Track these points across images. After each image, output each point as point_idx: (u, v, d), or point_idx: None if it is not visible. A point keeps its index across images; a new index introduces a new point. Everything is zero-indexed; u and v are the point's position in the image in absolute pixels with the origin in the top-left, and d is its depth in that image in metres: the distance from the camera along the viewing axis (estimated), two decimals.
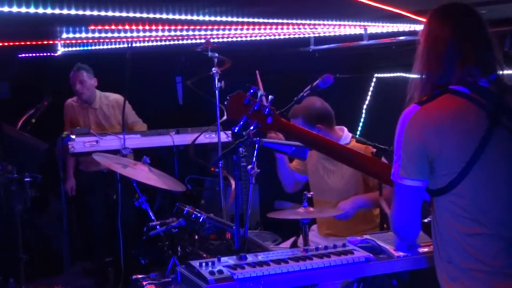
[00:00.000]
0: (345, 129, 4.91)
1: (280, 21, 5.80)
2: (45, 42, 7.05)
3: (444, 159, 2.59)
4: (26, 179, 5.89)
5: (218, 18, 5.38)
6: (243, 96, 2.99)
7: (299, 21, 5.91)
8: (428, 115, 2.61)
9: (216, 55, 5.59)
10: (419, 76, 2.78)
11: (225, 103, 3.02)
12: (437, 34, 2.74)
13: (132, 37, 6.47)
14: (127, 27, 5.53)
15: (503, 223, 2.61)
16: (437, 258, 2.76)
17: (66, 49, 7.47)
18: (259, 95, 3.01)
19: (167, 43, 7.06)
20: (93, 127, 6.42)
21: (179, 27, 5.86)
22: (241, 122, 2.98)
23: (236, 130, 3.02)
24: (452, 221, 2.64)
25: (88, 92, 6.51)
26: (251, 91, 3.02)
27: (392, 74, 7.38)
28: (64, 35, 6.34)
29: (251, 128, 2.99)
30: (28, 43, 6.98)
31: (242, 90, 3.01)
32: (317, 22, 6.06)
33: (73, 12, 4.66)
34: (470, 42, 2.71)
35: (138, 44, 7.05)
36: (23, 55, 8.16)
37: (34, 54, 8.21)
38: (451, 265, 2.67)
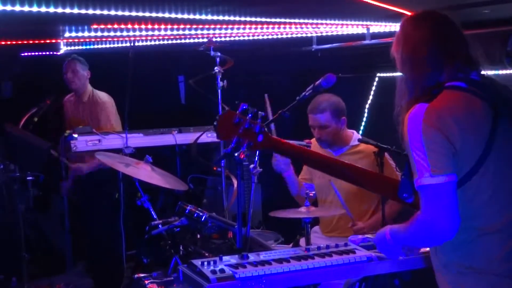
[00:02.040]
0: (355, 132, 4.98)
1: (282, 20, 5.79)
2: (48, 41, 7.05)
3: (462, 153, 2.53)
4: (28, 178, 5.89)
5: (221, 17, 5.38)
6: (233, 115, 2.96)
7: (301, 21, 5.90)
8: (441, 110, 2.54)
9: (219, 54, 5.59)
10: (404, 84, 2.73)
11: (215, 123, 2.98)
12: (415, 38, 2.71)
13: (134, 36, 6.47)
14: (129, 26, 5.53)
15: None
16: (435, 261, 2.73)
17: (69, 48, 7.47)
18: (249, 113, 2.98)
19: (170, 42, 7.06)
20: (84, 121, 6.41)
21: (182, 26, 5.86)
22: (233, 143, 2.94)
23: (228, 151, 2.99)
24: None
25: (78, 82, 6.50)
26: (241, 108, 2.98)
27: (394, 74, 7.37)
28: (67, 34, 6.34)
29: (243, 148, 2.94)
30: (31, 42, 6.98)
31: (231, 108, 2.99)
32: (319, 21, 6.05)
33: (75, 11, 4.67)
34: (452, 41, 2.72)
35: (140, 43, 7.05)
36: (26, 54, 8.17)
37: (36, 53, 8.22)
38: (450, 267, 2.62)
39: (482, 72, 2.76)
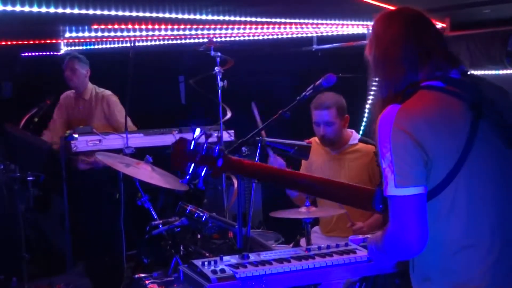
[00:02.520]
0: (354, 131, 4.98)
1: (283, 20, 5.80)
2: (48, 41, 7.06)
3: (435, 160, 2.30)
4: (28, 178, 5.88)
5: (221, 17, 5.39)
6: (187, 142, 2.75)
7: (302, 21, 5.91)
8: (414, 112, 2.31)
9: (219, 54, 5.59)
10: (378, 88, 2.53)
11: (169, 151, 2.79)
12: (387, 38, 2.51)
13: (134, 36, 6.48)
14: (130, 26, 5.54)
15: (494, 234, 2.36)
16: (413, 277, 2.53)
17: (69, 48, 7.48)
18: (204, 139, 2.77)
19: (170, 42, 7.07)
20: (84, 119, 6.42)
21: (182, 26, 5.87)
22: (190, 172, 2.74)
23: (185, 182, 2.82)
24: (432, 232, 2.32)
25: (77, 81, 6.50)
26: (196, 133, 2.78)
27: None
28: (67, 34, 6.36)
29: (202, 175, 2.74)
30: (31, 42, 6.99)
31: (183, 138, 2.77)
32: (320, 21, 6.07)
33: (76, 11, 4.67)
34: (427, 37, 2.49)
35: (141, 43, 7.06)
36: (26, 54, 8.17)
37: (37, 53, 8.23)
38: (429, 283, 2.43)
39: (470, 71, 2.55)
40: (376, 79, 2.55)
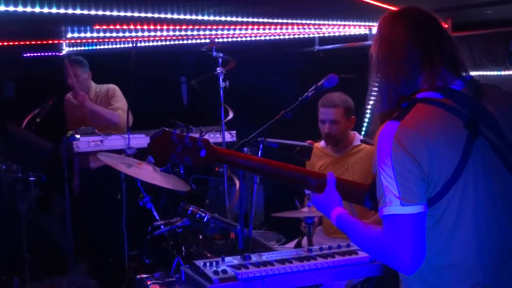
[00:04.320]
0: (356, 133, 4.99)
1: (284, 21, 5.80)
2: (50, 42, 7.06)
3: (430, 177, 2.26)
4: (30, 179, 5.89)
5: (223, 18, 5.39)
6: (168, 133, 2.72)
7: (303, 21, 5.91)
8: (412, 129, 2.26)
9: (221, 55, 5.59)
10: (378, 90, 2.49)
11: (147, 145, 2.75)
12: (392, 38, 2.45)
13: (136, 37, 6.48)
14: (131, 27, 5.54)
15: (481, 257, 2.32)
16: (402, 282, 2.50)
17: (71, 48, 7.49)
18: (188, 129, 2.82)
19: (172, 43, 7.07)
20: (90, 119, 6.42)
21: (184, 27, 5.87)
22: (169, 162, 2.72)
23: (162, 170, 2.81)
24: None
25: (81, 86, 6.49)
26: (177, 126, 2.76)
27: None
28: (69, 35, 6.36)
29: (181, 166, 2.72)
30: (33, 42, 7.00)
31: (166, 127, 2.75)
32: (322, 22, 6.06)
33: (78, 11, 4.68)
34: (433, 40, 2.43)
35: (142, 44, 7.06)
36: (29, 54, 8.18)
37: (39, 54, 8.23)
38: None
39: (474, 76, 2.48)
40: (378, 79, 2.50)
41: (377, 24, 2.57)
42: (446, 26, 6.87)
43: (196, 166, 2.74)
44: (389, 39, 2.46)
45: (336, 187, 2.72)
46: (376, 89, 2.51)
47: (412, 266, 2.26)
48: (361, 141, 4.84)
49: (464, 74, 2.44)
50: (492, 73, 7.02)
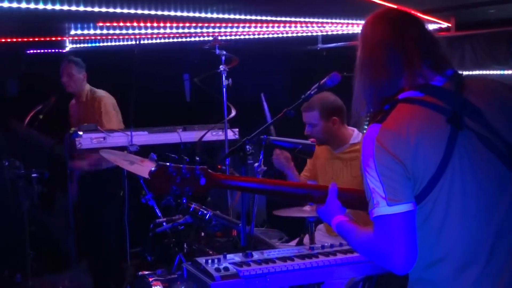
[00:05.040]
0: (356, 130, 4.94)
1: (288, 19, 5.81)
2: (53, 39, 7.07)
3: (416, 174, 2.27)
4: (33, 175, 5.90)
5: (226, 16, 5.39)
6: (165, 167, 2.70)
7: (307, 19, 5.92)
8: (392, 132, 2.28)
9: (224, 52, 5.59)
10: (362, 93, 2.50)
11: (147, 181, 2.77)
12: (373, 40, 2.48)
13: (140, 34, 6.49)
14: (135, 24, 5.55)
15: (472, 250, 2.32)
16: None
17: (74, 45, 7.50)
18: (183, 160, 2.80)
19: (175, 40, 7.08)
20: (81, 121, 6.42)
21: (187, 25, 5.88)
22: (170, 194, 2.78)
23: (164, 203, 2.80)
24: None
25: (74, 85, 6.49)
26: (171, 159, 2.80)
27: None
28: (72, 32, 6.37)
29: (184, 196, 2.71)
30: (37, 39, 7.01)
31: (162, 161, 2.74)
32: (325, 20, 6.07)
33: (81, 8, 4.68)
34: (412, 40, 2.43)
35: (146, 41, 7.07)
36: (32, 51, 8.19)
37: (42, 51, 8.25)
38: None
39: (456, 72, 2.47)
40: (361, 81, 2.52)
41: (362, 26, 2.59)
42: (450, 25, 6.88)
43: (198, 194, 2.74)
44: (370, 42, 2.49)
45: (340, 196, 2.75)
46: (359, 91, 2.52)
47: (405, 266, 2.28)
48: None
49: (446, 69, 2.44)
50: (495, 72, 7.03)
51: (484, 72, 6.92)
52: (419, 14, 4.91)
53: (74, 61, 6.53)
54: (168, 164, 2.71)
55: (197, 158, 5.11)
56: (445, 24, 6.67)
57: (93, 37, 6.97)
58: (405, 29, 2.45)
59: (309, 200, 2.87)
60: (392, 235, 2.26)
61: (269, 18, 5.70)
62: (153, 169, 2.66)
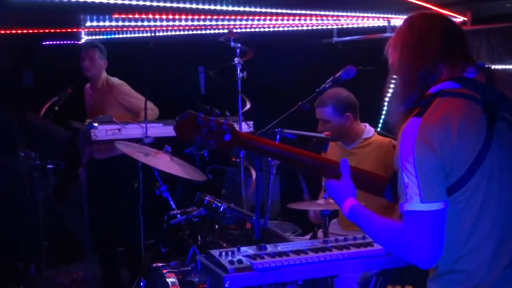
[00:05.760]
0: (368, 125, 4.93)
1: (303, 12, 5.80)
2: (69, 30, 7.09)
3: (454, 166, 2.32)
4: (48, 166, 5.92)
5: (241, 8, 5.39)
6: (194, 116, 2.76)
7: (322, 12, 5.90)
8: (433, 127, 2.32)
9: (239, 45, 5.59)
10: (401, 81, 2.58)
11: (174, 126, 2.80)
12: (403, 42, 2.58)
13: (155, 26, 6.49)
14: (150, 16, 5.56)
15: (504, 240, 2.37)
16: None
17: (90, 37, 7.52)
18: (213, 113, 2.84)
19: (190, 32, 7.08)
20: (97, 108, 6.44)
21: (202, 17, 5.88)
22: (193, 144, 2.78)
23: (187, 152, 2.83)
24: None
25: (94, 71, 6.49)
26: (203, 109, 2.82)
27: None
28: (88, 23, 6.38)
29: (206, 149, 2.80)
30: (53, 31, 7.03)
31: (194, 110, 2.77)
32: (340, 13, 6.05)
33: (97, 0, 4.69)
34: (441, 36, 2.52)
35: (161, 33, 7.07)
36: (48, 42, 8.22)
37: (58, 42, 8.28)
38: (438, 279, 2.46)
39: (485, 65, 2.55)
40: (399, 78, 2.59)
41: (406, 19, 2.66)
42: (466, 19, 6.84)
43: (220, 150, 2.78)
44: (401, 43, 2.59)
45: (355, 176, 2.78)
46: (396, 88, 2.59)
47: (431, 260, 2.32)
48: (379, 133, 4.80)
49: (475, 61, 2.52)
50: (511, 66, 6.98)
51: (501, 66, 6.88)
52: (434, 8, 4.90)
53: (99, 46, 6.54)
54: (198, 114, 2.75)
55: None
56: (461, 18, 6.64)
57: (108, 29, 6.99)
58: (435, 26, 2.54)
59: (324, 175, 2.87)
60: (422, 231, 2.30)
61: (284, 11, 5.69)
62: (183, 115, 2.72)
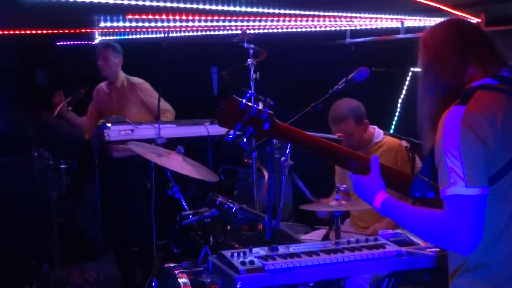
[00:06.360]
0: (376, 127, 4.94)
1: (316, 13, 5.78)
2: (83, 31, 7.11)
3: (496, 156, 2.38)
4: (61, 166, 5.93)
5: (255, 9, 5.39)
6: (237, 101, 2.77)
7: (335, 14, 5.89)
8: (479, 114, 2.39)
9: (252, 46, 5.59)
10: (426, 87, 2.64)
11: (217, 110, 2.78)
12: (435, 42, 2.64)
13: (168, 27, 6.50)
14: (164, 17, 5.57)
15: None
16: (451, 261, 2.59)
17: (104, 37, 7.54)
18: (256, 101, 2.85)
19: (203, 33, 7.09)
20: (116, 108, 6.45)
21: (216, 18, 5.88)
22: (235, 131, 2.79)
23: (229, 139, 2.83)
24: None
25: (109, 70, 6.50)
26: (248, 95, 2.81)
27: None
28: (102, 24, 6.39)
29: (245, 136, 2.78)
30: (66, 31, 7.05)
31: (238, 95, 2.79)
32: (353, 14, 6.04)
33: (111, 1, 4.70)
34: (473, 36, 2.64)
35: (174, 34, 7.08)
36: (62, 43, 8.25)
37: (72, 42, 8.30)
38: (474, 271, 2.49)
39: None
40: (428, 80, 2.63)
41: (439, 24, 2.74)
42: (480, 20, 6.81)
43: (260, 138, 2.83)
44: (433, 44, 2.65)
45: (382, 172, 2.80)
46: (425, 90, 2.64)
47: (471, 246, 2.34)
48: (387, 134, 4.81)
49: (507, 62, 2.63)
50: None
51: None
52: (448, 9, 4.89)
53: (111, 45, 6.55)
54: (242, 100, 2.76)
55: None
56: (474, 20, 6.61)
57: (122, 30, 7.00)
58: (465, 28, 2.67)
59: (353, 170, 2.89)
60: (464, 215, 2.33)
61: (297, 12, 5.68)
62: (226, 100, 2.73)
